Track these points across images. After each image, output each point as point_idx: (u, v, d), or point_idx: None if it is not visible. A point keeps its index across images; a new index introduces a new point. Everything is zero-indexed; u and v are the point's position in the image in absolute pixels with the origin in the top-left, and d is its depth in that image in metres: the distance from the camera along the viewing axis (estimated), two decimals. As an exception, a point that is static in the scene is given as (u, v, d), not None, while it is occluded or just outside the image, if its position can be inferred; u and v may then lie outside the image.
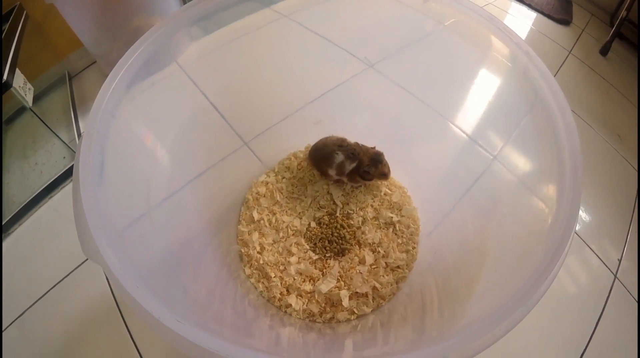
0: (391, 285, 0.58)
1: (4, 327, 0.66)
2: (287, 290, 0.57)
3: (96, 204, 0.37)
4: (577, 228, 0.79)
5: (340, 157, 0.61)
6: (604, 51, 1.23)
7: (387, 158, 0.63)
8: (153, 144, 0.54)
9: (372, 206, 0.63)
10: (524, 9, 1.35)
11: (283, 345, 0.52)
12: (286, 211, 0.63)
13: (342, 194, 0.64)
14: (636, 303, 0.72)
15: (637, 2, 1.16)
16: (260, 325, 0.54)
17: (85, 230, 0.35)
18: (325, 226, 0.61)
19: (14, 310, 0.68)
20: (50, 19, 1.00)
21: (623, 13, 1.18)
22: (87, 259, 0.74)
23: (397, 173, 0.67)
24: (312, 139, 0.68)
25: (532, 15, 1.33)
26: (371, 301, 0.57)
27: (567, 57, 1.19)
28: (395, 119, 0.70)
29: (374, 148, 0.63)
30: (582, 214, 0.83)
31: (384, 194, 0.64)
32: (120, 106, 0.46)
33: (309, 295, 0.57)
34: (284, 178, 0.66)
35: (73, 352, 0.63)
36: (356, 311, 0.56)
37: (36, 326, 0.66)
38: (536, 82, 0.51)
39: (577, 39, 1.27)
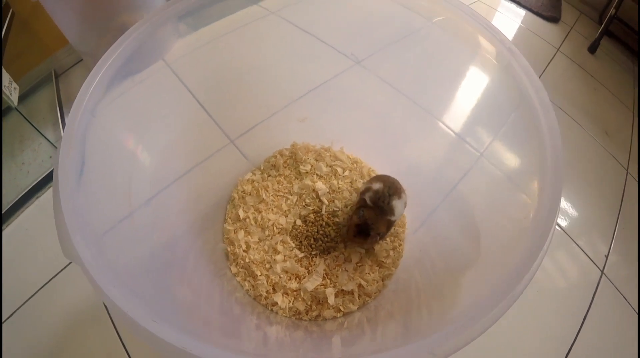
0: (377, 282, 0.58)
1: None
2: (273, 288, 0.57)
3: (75, 206, 0.37)
4: (564, 224, 0.80)
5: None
6: (593, 49, 1.24)
7: (374, 154, 0.63)
8: (135, 143, 0.53)
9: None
10: (512, 6, 1.35)
11: (271, 345, 0.52)
12: (272, 209, 0.62)
13: (328, 192, 0.63)
14: (622, 298, 0.73)
15: (625, -1, 1.16)
16: (247, 325, 0.54)
17: (64, 231, 0.35)
18: (311, 224, 0.61)
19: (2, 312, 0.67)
20: (36, 17, 0.99)
21: (612, 11, 1.18)
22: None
23: (384, 169, 0.67)
24: (298, 137, 0.68)
25: (521, 12, 1.34)
26: (357, 299, 0.56)
27: (555, 54, 1.19)
28: (382, 116, 0.70)
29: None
30: (570, 210, 0.83)
31: (371, 191, 0.64)
32: (101, 105, 0.46)
33: (295, 293, 0.57)
34: (269, 175, 0.66)
35: (62, 352, 0.62)
36: (342, 309, 0.56)
37: (25, 328, 0.65)
38: (520, 79, 0.51)
39: (566, 37, 1.28)
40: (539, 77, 0.50)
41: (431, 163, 0.67)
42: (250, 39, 0.70)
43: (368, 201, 0.56)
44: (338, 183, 0.64)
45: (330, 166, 0.66)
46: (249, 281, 0.58)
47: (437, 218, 0.62)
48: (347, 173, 0.66)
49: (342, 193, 0.64)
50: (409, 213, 0.64)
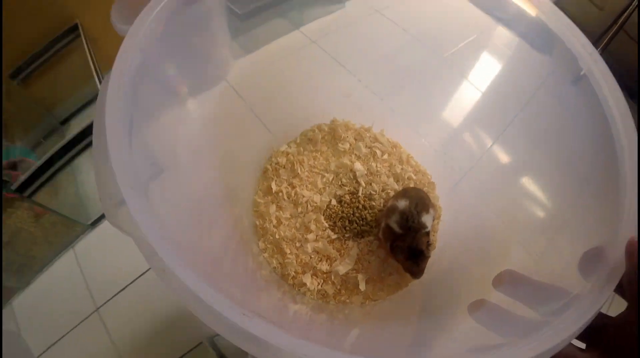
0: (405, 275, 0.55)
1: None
2: (303, 269, 0.54)
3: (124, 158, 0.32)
4: None
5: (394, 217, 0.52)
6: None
7: (415, 144, 0.60)
8: (184, 95, 0.49)
9: (395, 190, 0.61)
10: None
11: (288, 317, 0.50)
12: (306, 186, 0.59)
13: (365, 174, 0.60)
14: None
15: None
16: (270, 295, 0.52)
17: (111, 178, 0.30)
18: (346, 205, 0.58)
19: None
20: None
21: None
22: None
23: (421, 158, 0.64)
24: (339, 113, 0.64)
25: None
26: (387, 287, 0.54)
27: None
28: (436, 108, 0.66)
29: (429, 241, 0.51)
30: None
31: (408, 178, 0.62)
32: (154, 43, 0.40)
33: (325, 275, 0.54)
34: (305, 150, 0.62)
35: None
36: (371, 297, 0.54)
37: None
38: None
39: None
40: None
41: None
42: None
43: (396, 229, 0.51)
44: (377, 165, 0.61)
45: (369, 148, 0.63)
46: (277, 258, 0.55)
47: (474, 210, 0.60)
48: (385, 156, 0.63)
49: (380, 177, 0.61)
50: (444, 204, 0.62)
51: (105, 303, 1.10)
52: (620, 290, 0.31)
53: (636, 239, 0.30)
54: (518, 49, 0.57)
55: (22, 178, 1.06)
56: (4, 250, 1.03)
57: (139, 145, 0.36)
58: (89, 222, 1.18)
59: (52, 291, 1.14)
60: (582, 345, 0.31)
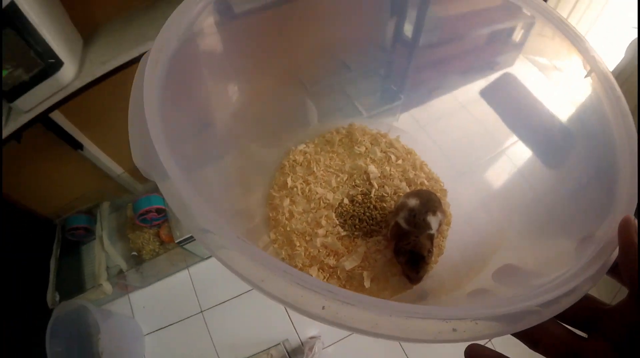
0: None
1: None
2: (310, 261, 0.56)
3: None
4: None
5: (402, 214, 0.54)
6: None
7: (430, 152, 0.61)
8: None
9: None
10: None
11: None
12: (320, 184, 0.62)
13: (379, 176, 0.62)
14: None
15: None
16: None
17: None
18: (358, 204, 0.60)
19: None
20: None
21: None
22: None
23: (436, 167, 0.65)
24: (357, 118, 0.67)
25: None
26: (392, 288, 0.55)
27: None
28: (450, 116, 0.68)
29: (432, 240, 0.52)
30: None
31: (420, 183, 0.63)
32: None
33: (331, 269, 0.56)
34: (322, 150, 0.65)
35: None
36: (376, 294, 0.55)
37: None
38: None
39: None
40: None
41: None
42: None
43: (403, 224, 0.52)
44: (390, 169, 0.63)
45: (384, 152, 0.65)
46: (286, 250, 0.57)
47: (480, 220, 0.60)
48: (400, 161, 0.64)
49: (392, 180, 0.62)
50: (454, 211, 0.62)
51: (209, 308, 1.46)
52: (617, 276, 0.31)
53: (631, 217, 0.30)
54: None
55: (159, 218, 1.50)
56: (135, 257, 1.47)
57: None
58: (205, 257, 1.52)
59: (165, 293, 1.53)
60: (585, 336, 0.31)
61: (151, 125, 0.31)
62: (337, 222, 0.59)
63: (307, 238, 0.58)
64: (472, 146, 0.65)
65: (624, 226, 0.29)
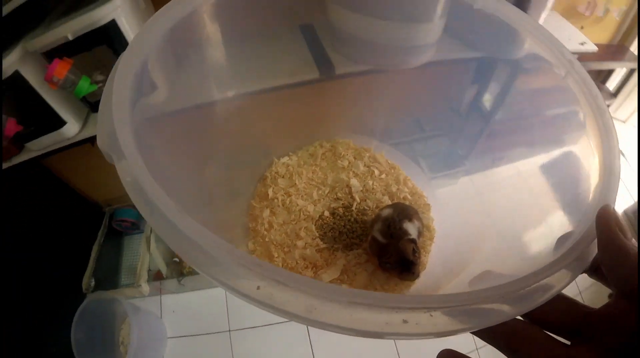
0: (394, 291, 0.54)
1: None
2: (288, 273, 0.55)
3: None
4: None
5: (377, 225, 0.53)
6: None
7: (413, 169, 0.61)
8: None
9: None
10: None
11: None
12: (302, 196, 0.61)
13: (361, 190, 0.62)
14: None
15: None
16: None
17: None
18: (339, 217, 0.59)
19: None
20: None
21: None
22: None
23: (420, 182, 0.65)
24: (340, 133, 0.67)
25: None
26: (372, 302, 0.53)
27: None
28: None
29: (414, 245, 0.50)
30: None
31: (403, 198, 0.62)
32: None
33: (309, 282, 0.54)
34: (305, 163, 0.65)
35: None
36: (354, 309, 0.53)
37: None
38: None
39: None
40: None
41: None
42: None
43: (380, 238, 0.52)
44: (373, 183, 0.63)
45: (367, 166, 0.65)
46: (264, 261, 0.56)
47: (468, 237, 0.59)
48: (383, 176, 0.64)
49: (375, 194, 0.62)
50: (438, 226, 0.61)
51: (237, 329, 1.45)
52: (601, 277, 0.28)
53: (611, 207, 0.27)
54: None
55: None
56: (177, 264, 1.52)
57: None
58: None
59: (198, 304, 1.53)
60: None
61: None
62: (317, 234, 0.58)
63: (286, 249, 0.57)
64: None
65: (602, 217, 0.27)
